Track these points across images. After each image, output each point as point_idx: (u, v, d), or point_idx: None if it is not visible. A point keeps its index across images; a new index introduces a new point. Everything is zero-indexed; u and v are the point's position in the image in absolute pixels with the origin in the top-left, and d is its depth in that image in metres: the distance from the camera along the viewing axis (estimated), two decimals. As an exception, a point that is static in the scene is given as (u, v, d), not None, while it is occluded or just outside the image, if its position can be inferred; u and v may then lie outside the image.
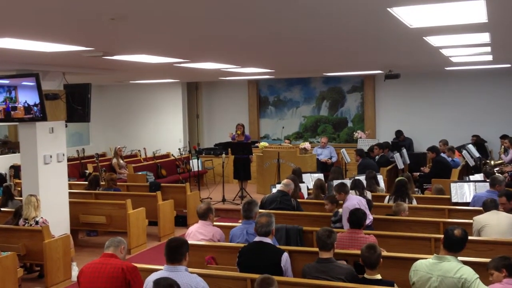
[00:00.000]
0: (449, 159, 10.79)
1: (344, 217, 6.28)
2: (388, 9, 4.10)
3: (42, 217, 7.03)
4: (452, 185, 8.07)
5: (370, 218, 6.47)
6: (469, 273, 4.03)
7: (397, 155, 11.44)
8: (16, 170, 12.95)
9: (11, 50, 5.80)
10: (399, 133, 14.23)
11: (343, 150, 12.39)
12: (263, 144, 13.29)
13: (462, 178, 9.58)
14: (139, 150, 15.51)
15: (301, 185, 8.61)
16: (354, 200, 6.56)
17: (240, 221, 6.18)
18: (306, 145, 12.42)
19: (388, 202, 7.64)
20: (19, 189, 8.67)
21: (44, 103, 7.26)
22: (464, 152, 10.83)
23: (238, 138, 12.13)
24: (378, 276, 4.36)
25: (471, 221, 6.19)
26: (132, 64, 8.15)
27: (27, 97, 7.29)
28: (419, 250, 5.68)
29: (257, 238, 4.95)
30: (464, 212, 7.23)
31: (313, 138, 15.82)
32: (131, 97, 16.95)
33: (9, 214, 7.52)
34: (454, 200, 7.92)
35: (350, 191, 7.86)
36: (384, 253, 4.88)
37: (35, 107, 7.28)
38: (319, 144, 13.77)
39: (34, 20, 4.19)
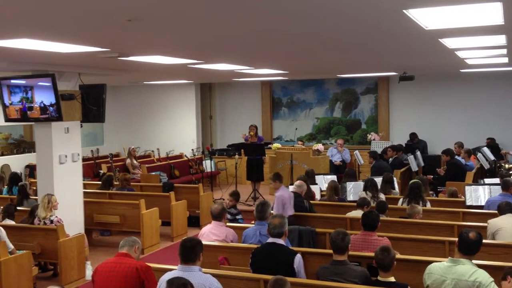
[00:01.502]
0: (464, 161, 10.70)
1: (276, 205, 6.89)
2: (404, 10, 4.09)
3: (56, 216, 7.09)
4: (467, 188, 8.02)
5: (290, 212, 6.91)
6: (484, 277, 4.00)
7: (411, 158, 11.37)
8: (31, 169, 13.07)
9: (28, 51, 5.86)
10: (413, 135, 14.14)
11: (357, 152, 12.35)
12: (276, 145, 13.30)
13: (476, 181, 9.51)
14: (152, 151, 15.59)
15: (314, 186, 8.60)
16: (286, 193, 7.05)
17: (253, 222, 6.19)
18: (319, 146, 12.41)
19: (402, 204, 7.61)
20: (34, 188, 8.75)
21: (60, 103, 7.32)
22: (479, 155, 10.74)
23: (251, 139, 12.15)
24: (392, 279, 4.34)
25: (485, 224, 6.15)
26: (146, 65, 8.20)
27: (43, 97, 7.37)
28: (433, 253, 5.66)
29: (270, 239, 4.94)
30: (479, 215, 7.18)
31: (326, 140, 15.79)
32: (145, 98, 17.04)
33: (24, 213, 7.59)
34: (468, 203, 7.87)
35: (362, 192, 7.86)
36: (398, 255, 4.85)
37: (51, 107, 7.35)
38: (333, 145, 13.72)
39: (51, 21, 4.24)
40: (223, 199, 11.60)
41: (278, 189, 7.12)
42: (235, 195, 7.71)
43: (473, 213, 7.38)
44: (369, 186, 7.75)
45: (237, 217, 7.59)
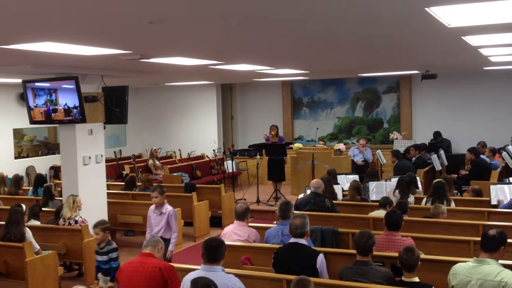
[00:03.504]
0: (488, 160, 10.56)
1: (173, 220, 6.62)
2: (426, 8, 4.05)
3: (81, 217, 7.18)
4: (492, 187, 7.90)
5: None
6: (510, 277, 3.93)
7: (434, 157, 11.25)
8: (56, 170, 13.27)
9: (52, 54, 5.95)
10: (437, 134, 13.99)
11: (379, 151, 12.25)
12: (297, 145, 13.26)
13: (501, 180, 9.36)
14: (174, 152, 15.68)
15: (336, 186, 8.55)
16: (170, 208, 6.72)
17: (274, 222, 6.19)
18: (341, 146, 12.35)
19: (425, 204, 7.53)
20: (59, 189, 8.87)
21: (83, 106, 7.42)
22: (504, 153, 10.58)
23: (272, 139, 12.15)
24: (416, 279, 4.30)
25: (511, 223, 6.05)
26: (168, 67, 8.25)
27: (67, 99, 7.47)
28: (457, 253, 5.59)
29: (292, 240, 4.94)
30: (505, 215, 7.07)
31: (347, 139, 15.71)
32: (167, 99, 17.15)
33: (50, 214, 7.70)
34: (493, 202, 7.76)
35: (390, 190, 7.80)
36: (422, 255, 4.81)
37: (74, 110, 7.44)
38: (355, 145, 13.64)
39: (74, 24, 4.30)
40: (245, 199, 11.63)
41: (163, 204, 6.70)
42: (104, 225, 6.01)
43: (498, 212, 7.27)
44: (403, 186, 7.67)
45: (111, 255, 5.93)
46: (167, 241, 6.42)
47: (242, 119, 17.45)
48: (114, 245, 6.06)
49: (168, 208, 6.70)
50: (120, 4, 3.56)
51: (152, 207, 6.80)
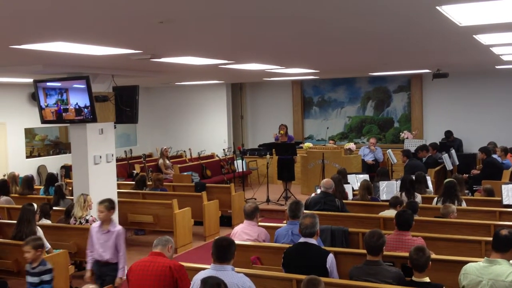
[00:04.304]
0: (500, 159, 10.48)
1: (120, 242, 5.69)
2: (437, 7, 4.03)
3: (92, 216, 7.22)
4: (503, 186, 7.84)
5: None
6: (522, 278, 3.91)
7: (445, 156, 11.18)
8: (67, 170, 13.34)
9: (63, 54, 5.98)
10: (448, 133, 13.91)
11: (389, 150, 12.21)
12: (307, 144, 13.24)
13: (514, 179, 9.30)
14: (184, 151, 15.72)
15: (346, 186, 8.53)
16: (118, 228, 5.81)
17: (284, 221, 6.18)
18: (351, 145, 12.31)
19: (436, 203, 7.49)
20: (70, 188, 8.92)
21: (94, 105, 7.45)
22: (516, 153, 10.51)
23: (282, 138, 12.13)
24: (427, 279, 4.28)
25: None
26: (178, 66, 8.27)
27: (78, 99, 7.51)
28: (468, 253, 5.56)
29: (302, 239, 4.93)
30: (517, 215, 7.02)
31: (358, 139, 15.66)
32: (177, 99, 17.20)
33: (61, 213, 7.75)
34: (505, 202, 7.70)
35: (398, 191, 7.74)
36: (433, 255, 4.78)
37: (85, 109, 7.48)
38: (366, 144, 13.59)
39: (85, 24, 4.32)
40: (255, 199, 11.63)
41: (111, 222, 5.80)
42: (35, 242, 5.32)
43: (510, 212, 7.22)
44: (407, 186, 7.61)
45: (44, 278, 5.29)
46: (114, 265, 5.68)
47: (252, 118, 17.46)
48: (49, 265, 5.34)
49: (116, 226, 5.81)
50: (131, 4, 3.57)
51: (96, 224, 5.86)
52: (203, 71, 10.02)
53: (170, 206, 8.68)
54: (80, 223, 7.13)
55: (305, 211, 6.15)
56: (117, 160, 10.29)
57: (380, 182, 8.65)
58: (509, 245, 4.12)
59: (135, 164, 13.35)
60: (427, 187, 8.58)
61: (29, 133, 13.73)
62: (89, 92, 7.35)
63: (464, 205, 7.37)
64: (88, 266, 5.83)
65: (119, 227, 5.81)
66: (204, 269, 4.34)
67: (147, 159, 13.34)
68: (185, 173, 12.44)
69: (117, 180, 9.20)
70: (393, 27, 5.13)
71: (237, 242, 4.99)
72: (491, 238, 4.29)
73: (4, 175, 10.65)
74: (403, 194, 7.56)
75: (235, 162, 13.73)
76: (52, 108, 7.72)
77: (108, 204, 5.70)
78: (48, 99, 7.72)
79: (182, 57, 7.09)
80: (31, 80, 8.22)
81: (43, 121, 7.93)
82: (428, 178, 8.91)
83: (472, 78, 14.12)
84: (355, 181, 9.28)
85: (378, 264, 4.52)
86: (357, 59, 8.78)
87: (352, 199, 8.31)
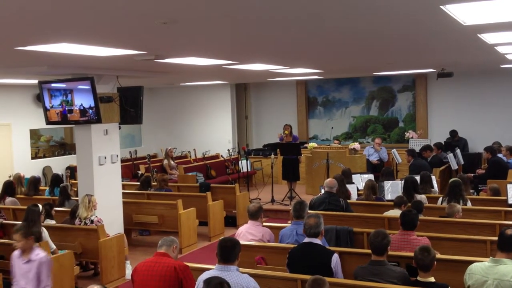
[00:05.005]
0: (505, 159, 10.44)
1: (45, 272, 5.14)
2: (441, 6, 4.02)
3: (96, 216, 7.24)
4: (509, 186, 7.81)
5: None
6: (528, 277, 3.90)
7: (450, 156, 11.15)
8: (72, 171, 13.37)
9: (68, 55, 6.00)
10: (453, 132, 13.87)
11: (394, 150, 12.18)
12: (312, 144, 13.22)
13: (519, 179, 9.26)
14: (189, 151, 15.73)
15: (351, 186, 8.52)
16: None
17: (289, 221, 6.18)
18: (356, 145, 12.29)
19: (441, 203, 7.46)
20: (75, 189, 8.94)
21: (99, 106, 7.47)
22: (521, 152, 10.46)
23: (286, 138, 12.13)
24: (432, 279, 4.27)
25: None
26: (182, 67, 8.28)
27: (82, 100, 7.53)
28: (474, 252, 5.54)
29: (307, 239, 4.93)
30: (522, 214, 6.99)
31: (362, 139, 15.63)
32: (181, 99, 17.21)
33: (66, 214, 7.77)
34: (511, 201, 7.66)
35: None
36: (438, 255, 4.77)
37: (90, 110, 7.50)
38: (370, 144, 13.57)
39: (90, 25, 4.33)
40: (259, 199, 11.63)
41: (32, 250, 5.16)
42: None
43: (516, 212, 7.19)
44: (407, 186, 7.58)
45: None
46: None
47: (256, 118, 17.45)
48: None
49: (39, 254, 5.13)
50: (135, 5, 3.58)
51: (17, 252, 5.21)
52: (207, 72, 10.03)
53: (174, 206, 8.69)
54: (85, 223, 7.16)
55: (309, 211, 6.15)
56: (122, 160, 10.32)
57: (385, 182, 8.63)
58: None
59: (140, 164, 13.37)
60: (432, 187, 8.56)
61: (34, 134, 13.77)
62: (93, 93, 7.37)
63: (469, 204, 7.34)
64: None
65: (42, 255, 5.13)
66: (208, 269, 4.34)
67: (151, 159, 13.36)
68: (190, 174, 12.45)
69: (122, 181, 9.22)
70: (397, 26, 5.12)
71: (241, 242, 4.99)
72: (496, 238, 4.28)
73: (10, 176, 10.69)
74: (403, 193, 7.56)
75: (239, 162, 13.73)
76: (57, 109, 7.74)
77: (24, 232, 5.11)
78: (53, 100, 7.75)
79: (186, 57, 7.09)
80: (36, 81, 8.24)
81: (48, 122, 7.95)
82: (433, 177, 8.89)
83: (476, 77, 14.08)
84: (359, 181, 9.27)
85: (383, 264, 4.51)
86: (361, 59, 8.77)
87: (357, 199, 8.29)
